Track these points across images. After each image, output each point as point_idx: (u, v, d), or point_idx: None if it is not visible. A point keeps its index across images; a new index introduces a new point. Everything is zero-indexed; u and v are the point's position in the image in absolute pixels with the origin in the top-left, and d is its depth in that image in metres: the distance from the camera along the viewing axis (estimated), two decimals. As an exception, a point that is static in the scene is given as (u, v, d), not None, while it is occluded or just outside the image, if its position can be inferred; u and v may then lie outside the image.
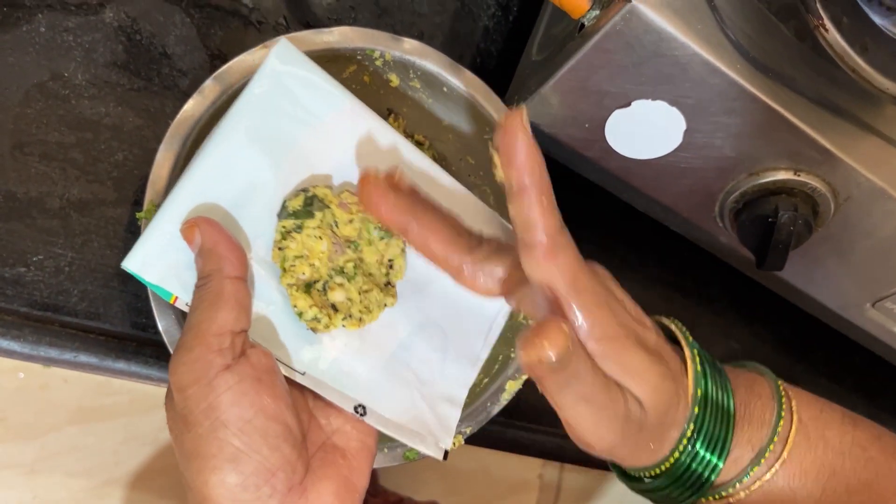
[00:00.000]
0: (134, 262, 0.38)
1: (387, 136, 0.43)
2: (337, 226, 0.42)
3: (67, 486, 1.29)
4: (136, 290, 0.47)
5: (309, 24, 0.51)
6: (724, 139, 0.44)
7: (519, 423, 0.55)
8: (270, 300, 0.40)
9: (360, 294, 0.42)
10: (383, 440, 0.44)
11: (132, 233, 0.47)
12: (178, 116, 0.41)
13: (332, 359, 0.41)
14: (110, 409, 1.33)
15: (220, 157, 0.39)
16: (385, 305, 0.42)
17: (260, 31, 0.49)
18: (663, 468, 0.38)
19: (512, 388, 0.46)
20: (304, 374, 0.40)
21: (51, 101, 0.46)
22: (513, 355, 0.46)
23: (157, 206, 0.41)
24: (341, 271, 0.42)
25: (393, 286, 0.43)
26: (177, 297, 0.39)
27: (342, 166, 0.42)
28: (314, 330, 0.41)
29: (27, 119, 0.45)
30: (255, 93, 0.40)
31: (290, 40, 0.43)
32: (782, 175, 0.45)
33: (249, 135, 0.39)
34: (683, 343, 0.39)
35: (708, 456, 0.38)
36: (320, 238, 0.41)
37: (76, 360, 0.45)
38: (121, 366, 0.46)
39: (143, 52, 0.47)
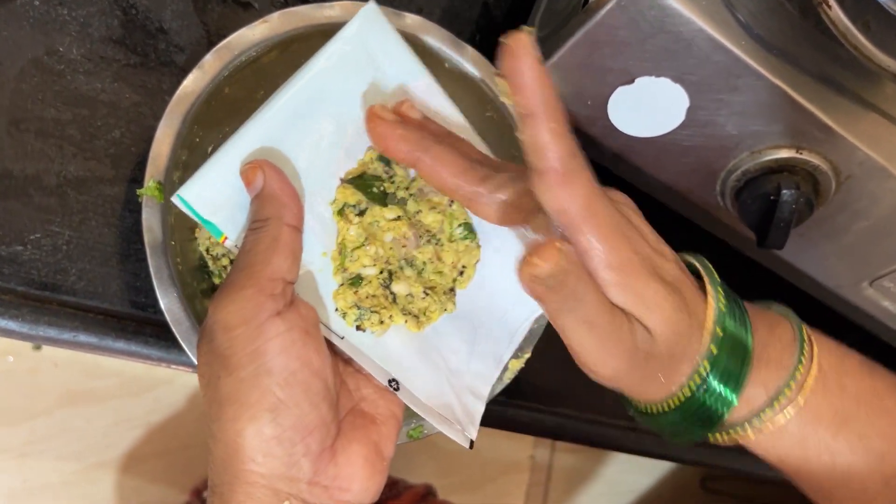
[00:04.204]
0: (189, 194, 0.38)
1: (454, 118, 0.43)
2: (421, 212, 0.41)
3: (57, 469, 1.30)
4: (135, 270, 0.46)
5: (307, -1, 0.50)
6: (728, 117, 0.44)
7: (520, 402, 0.55)
8: (315, 259, 0.40)
9: (424, 292, 0.41)
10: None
11: (130, 211, 0.46)
12: (178, 92, 0.41)
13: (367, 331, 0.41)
14: (100, 392, 1.34)
15: (289, 105, 0.39)
16: (445, 310, 0.42)
17: (258, 6, 0.49)
18: (675, 402, 0.38)
19: (514, 367, 0.46)
20: (342, 338, 0.40)
21: (46, 76, 0.45)
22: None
23: (158, 182, 0.40)
24: (411, 263, 0.41)
25: (454, 293, 0.43)
26: (226, 237, 0.39)
27: None
28: (360, 328, 0.40)
29: (22, 95, 0.45)
30: (336, 52, 0.39)
31: (288, 15, 0.42)
32: (784, 153, 0.45)
33: (322, 89, 0.39)
34: (706, 279, 0.39)
35: (722, 390, 0.37)
36: (388, 228, 0.41)
37: (75, 339, 0.45)
38: (120, 345, 0.46)
39: (139, 26, 0.46)
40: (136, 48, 0.46)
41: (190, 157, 0.42)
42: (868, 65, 0.40)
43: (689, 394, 0.37)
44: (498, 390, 0.46)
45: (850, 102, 0.44)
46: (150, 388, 1.28)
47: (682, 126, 0.45)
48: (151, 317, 0.46)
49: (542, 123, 0.32)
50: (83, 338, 0.45)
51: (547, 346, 0.45)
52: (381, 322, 0.41)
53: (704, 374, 0.37)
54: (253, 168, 0.38)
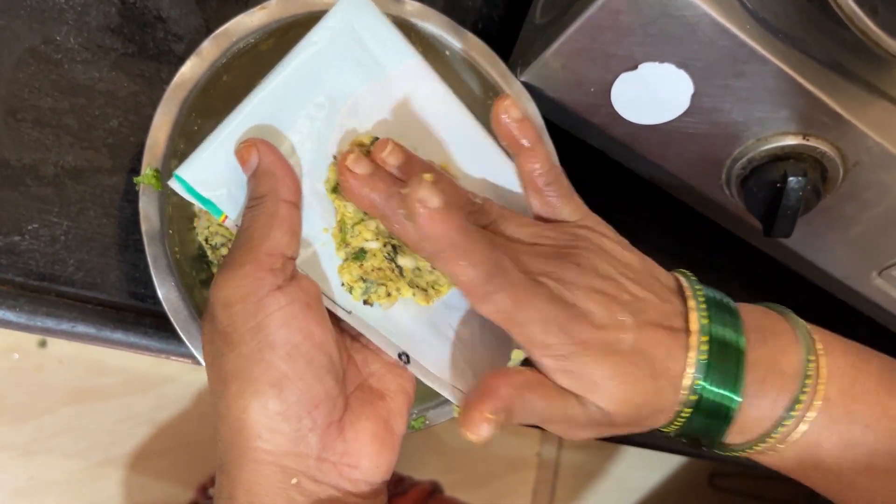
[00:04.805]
0: (187, 173, 0.38)
1: (445, 99, 0.43)
2: None
3: (63, 467, 1.30)
4: (134, 260, 0.46)
5: (307, -12, 0.50)
6: (733, 103, 0.43)
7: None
8: (318, 235, 0.40)
9: (430, 266, 0.41)
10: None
11: (129, 201, 0.46)
12: (175, 79, 0.40)
13: (374, 306, 0.41)
14: (105, 389, 1.34)
15: (282, 85, 0.39)
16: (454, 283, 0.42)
17: (257, -6, 0.48)
18: (675, 425, 0.39)
19: (517, 357, 0.45)
20: (349, 312, 0.40)
21: (43, 65, 0.45)
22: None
23: (156, 170, 0.40)
24: None
25: None
26: (226, 216, 0.39)
27: (396, 124, 0.42)
28: (367, 303, 0.40)
29: (19, 84, 0.44)
30: (325, 33, 0.40)
31: (286, 1, 0.42)
32: (791, 140, 0.44)
33: (314, 69, 0.39)
34: (689, 295, 0.39)
35: (721, 391, 0.38)
36: None
37: (73, 330, 0.44)
38: (119, 336, 0.45)
39: (137, 15, 0.46)
40: (133, 37, 0.46)
41: (188, 147, 0.41)
42: (875, 50, 0.39)
43: (686, 416, 0.38)
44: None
45: (858, 88, 0.43)
46: (155, 385, 1.28)
47: (687, 113, 0.44)
48: (150, 308, 0.46)
49: (450, 262, 0.34)
50: (81, 328, 0.45)
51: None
52: (389, 295, 0.41)
53: (698, 397, 0.38)
54: (248, 146, 0.38)
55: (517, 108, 0.40)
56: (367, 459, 0.36)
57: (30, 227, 0.44)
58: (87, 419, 1.27)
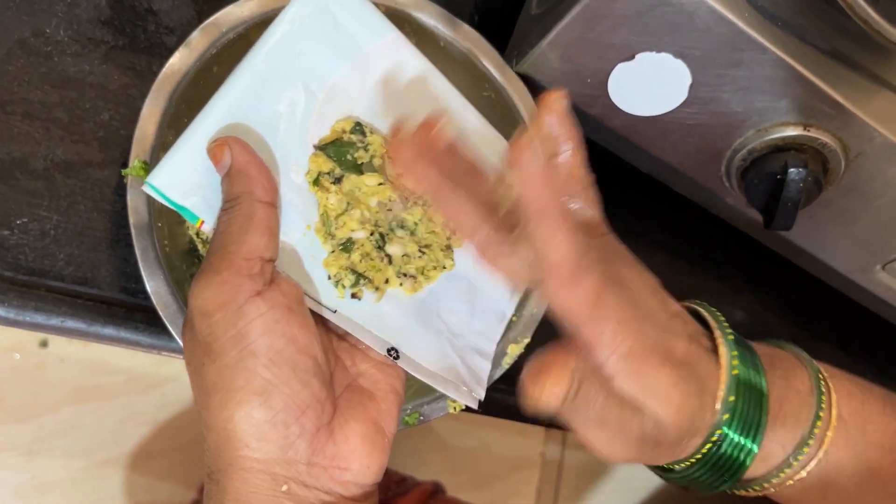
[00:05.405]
0: (159, 180, 0.37)
1: (428, 73, 0.41)
2: (402, 175, 0.40)
3: (66, 466, 1.29)
4: (124, 255, 0.45)
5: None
6: (732, 93, 0.42)
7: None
8: (299, 234, 0.39)
9: (420, 251, 0.40)
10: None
11: (120, 195, 0.45)
12: (164, 70, 0.40)
13: (363, 299, 0.40)
14: (108, 388, 1.33)
15: (254, 77, 0.38)
16: (444, 268, 0.41)
17: (250, -14, 0.48)
18: (693, 459, 0.36)
19: (514, 351, 0.45)
20: (335, 311, 0.39)
21: (33, 58, 0.44)
22: (514, 318, 0.45)
23: (144, 162, 0.40)
24: (402, 225, 0.40)
25: (451, 250, 0.42)
26: (203, 221, 0.37)
27: (377, 104, 0.41)
28: (356, 296, 0.39)
29: (8, 77, 0.44)
30: (296, 14, 0.38)
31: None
32: (791, 131, 0.43)
33: (286, 56, 0.38)
34: (720, 340, 0.37)
35: (742, 440, 0.36)
36: (372, 193, 0.40)
37: (63, 325, 0.44)
38: (109, 331, 0.45)
39: (128, 7, 0.46)
40: (124, 29, 0.46)
41: (177, 138, 0.41)
42: (877, 38, 0.38)
43: (706, 450, 0.36)
44: (497, 376, 0.45)
45: (859, 77, 0.43)
46: (157, 384, 1.28)
47: (685, 103, 0.43)
48: (141, 303, 0.45)
49: (553, 222, 0.31)
50: (71, 324, 0.44)
51: (548, 332, 0.44)
52: (377, 288, 0.40)
53: (720, 436, 0.35)
54: (220, 145, 0.36)
55: (565, 101, 0.36)
56: (358, 462, 0.36)
57: (19, 222, 0.44)
58: (88, 419, 1.26)
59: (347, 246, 0.39)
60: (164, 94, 0.40)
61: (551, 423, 0.57)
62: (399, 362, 0.39)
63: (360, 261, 0.40)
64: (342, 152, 0.40)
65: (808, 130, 0.43)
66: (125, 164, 0.45)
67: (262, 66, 0.38)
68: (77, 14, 0.45)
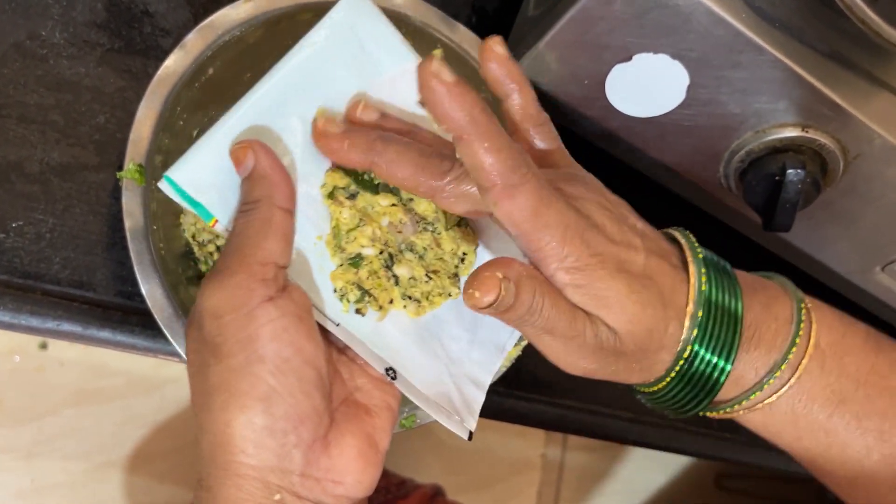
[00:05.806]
0: (178, 175, 0.37)
1: None
2: (413, 199, 0.41)
3: (65, 469, 1.29)
4: (120, 258, 0.45)
5: (297, -18, 0.49)
6: (730, 94, 0.42)
7: (518, 393, 0.54)
8: (310, 244, 0.39)
9: (427, 276, 0.41)
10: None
11: (115, 198, 0.45)
12: (159, 72, 0.40)
13: (366, 316, 0.40)
14: (107, 391, 1.33)
15: (280, 88, 0.38)
16: (450, 295, 0.41)
17: (246, -12, 0.47)
18: (665, 382, 0.37)
19: (512, 354, 0.44)
20: (338, 325, 0.39)
21: (28, 61, 0.44)
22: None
23: (139, 165, 0.40)
24: (411, 248, 0.40)
25: (458, 278, 0.42)
26: (217, 220, 0.37)
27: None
28: (360, 311, 0.39)
29: (4, 80, 0.44)
30: (324, 33, 0.39)
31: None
32: (790, 132, 0.43)
33: (313, 73, 0.39)
34: (689, 258, 0.38)
35: (714, 360, 0.37)
36: (384, 213, 0.40)
37: (59, 328, 0.44)
38: (105, 335, 0.45)
39: (124, 10, 0.46)
40: (120, 32, 0.46)
41: (173, 142, 0.41)
42: (875, 39, 0.38)
43: (679, 368, 0.37)
44: (494, 379, 0.44)
45: (858, 78, 0.42)
46: (157, 386, 1.28)
47: (683, 105, 0.43)
48: (138, 306, 0.45)
49: (474, 144, 0.31)
50: (67, 327, 0.44)
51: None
52: (381, 307, 0.40)
53: (691, 353, 0.36)
54: (243, 148, 0.37)
55: (504, 47, 0.37)
56: (351, 476, 0.36)
57: (14, 225, 0.44)
58: (88, 421, 1.26)
59: (356, 261, 0.39)
60: (159, 97, 0.40)
61: (547, 424, 0.57)
62: (396, 383, 0.39)
63: (368, 277, 0.40)
64: (359, 172, 0.40)
65: (807, 132, 0.43)
66: (121, 168, 0.45)
67: (288, 78, 0.38)
68: (73, 17, 0.45)
